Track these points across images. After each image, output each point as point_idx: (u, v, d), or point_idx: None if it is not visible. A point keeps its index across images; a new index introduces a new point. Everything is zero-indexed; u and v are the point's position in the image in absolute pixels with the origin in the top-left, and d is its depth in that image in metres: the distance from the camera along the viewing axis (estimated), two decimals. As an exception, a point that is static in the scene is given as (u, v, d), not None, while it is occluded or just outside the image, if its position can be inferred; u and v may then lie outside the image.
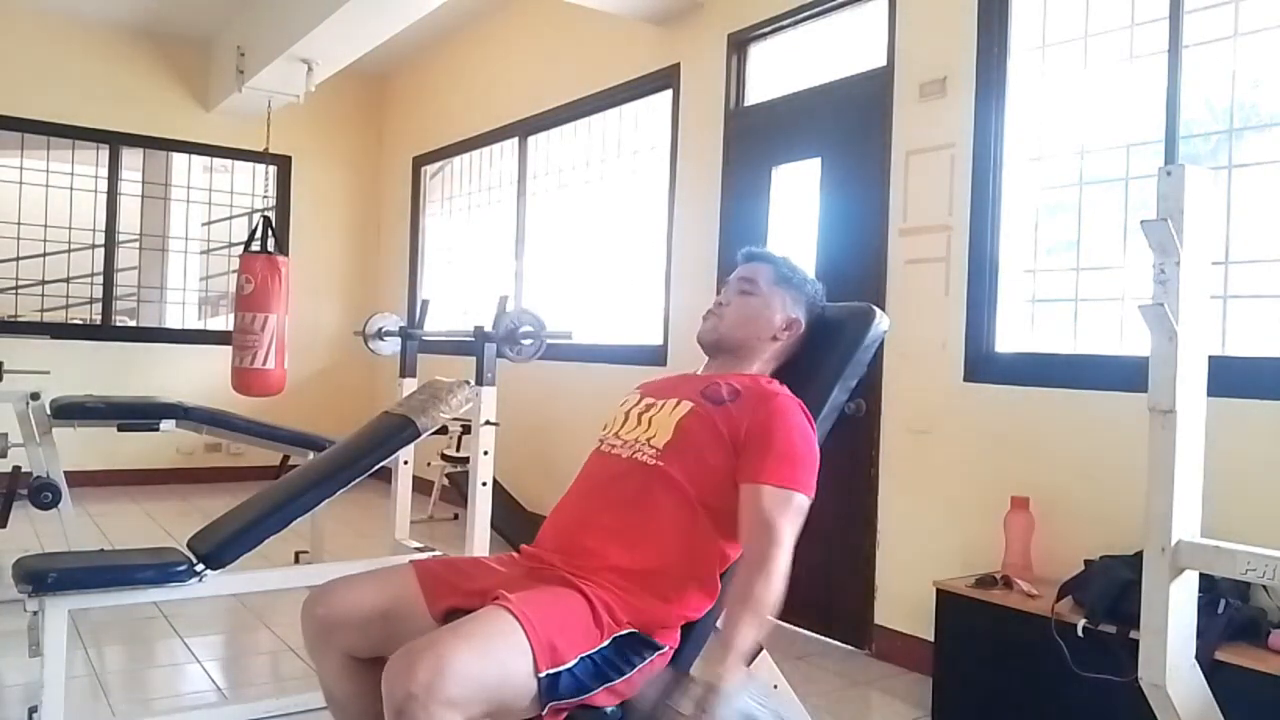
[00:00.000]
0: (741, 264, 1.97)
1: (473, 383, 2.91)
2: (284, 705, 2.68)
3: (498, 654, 1.40)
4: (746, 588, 1.53)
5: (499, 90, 5.90)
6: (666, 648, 1.62)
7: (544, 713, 1.45)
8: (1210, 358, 1.74)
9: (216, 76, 6.43)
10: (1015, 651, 2.58)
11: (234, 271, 5.85)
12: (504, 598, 1.47)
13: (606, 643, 1.53)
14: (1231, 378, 2.27)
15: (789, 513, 1.61)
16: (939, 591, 2.82)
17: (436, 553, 2.97)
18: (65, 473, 3.71)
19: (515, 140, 5.79)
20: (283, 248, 5.80)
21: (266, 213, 5.99)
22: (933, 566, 3.05)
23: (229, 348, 5.55)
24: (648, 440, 1.74)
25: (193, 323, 7.15)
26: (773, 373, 1.89)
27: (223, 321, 7.34)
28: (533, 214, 5.69)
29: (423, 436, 2.80)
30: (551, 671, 1.43)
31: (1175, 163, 2.38)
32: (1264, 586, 2.32)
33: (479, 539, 2.89)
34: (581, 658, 1.48)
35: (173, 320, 6.89)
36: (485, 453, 2.91)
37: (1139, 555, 1.77)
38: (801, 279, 1.94)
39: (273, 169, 6.80)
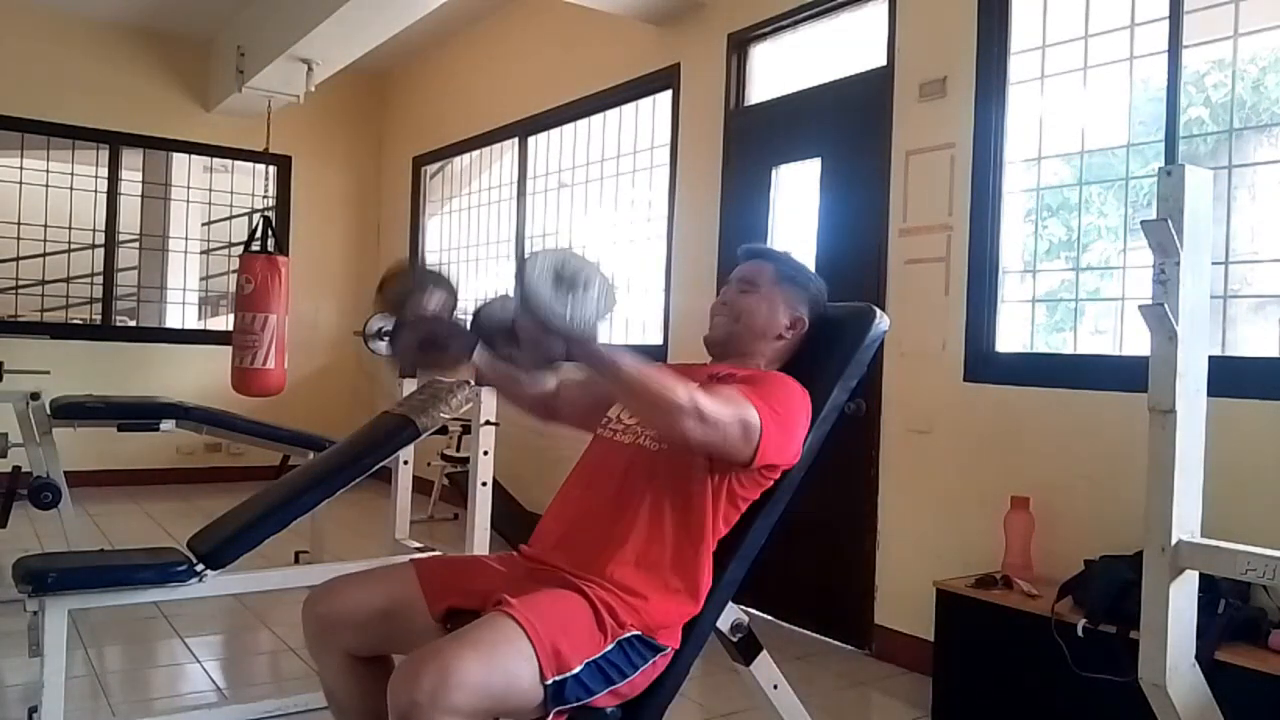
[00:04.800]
0: (741, 262, 1.93)
1: (473, 383, 2.91)
2: (284, 705, 2.69)
3: (503, 662, 1.40)
4: (676, 389, 1.49)
5: (499, 90, 5.90)
6: (669, 649, 1.61)
7: (548, 717, 1.45)
8: (1210, 358, 1.74)
9: (216, 76, 6.43)
10: (1015, 651, 2.58)
11: (234, 271, 5.85)
12: (507, 603, 1.47)
13: (610, 646, 1.52)
14: (1231, 378, 2.26)
15: (733, 410, 1.54)
16: (939, 591, 2.82)
17: (436, 553, 2.97)
18: (65, 473, 3.71)
19: (515, 140, 5.79)
20: (283, 248, 5.80)
21: (266, 213, 5.99)
22: (933, 566, 3.05)
23: (229, 348, 5.56)
24: None
25: (193, 323, 7.14)
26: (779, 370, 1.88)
27: (223, 321, 7.34)
28: (533, 214, 5.69)
29: (423, 436, 2.80)
30: (557, 678, 1.43)
31: (1175, 163, 2.38)
32: (1264, 586, 2.32)
33: (479, 539, 2.89)
34: (586, 663, 1.48)
35: (173, 320, 6.89)
36: (485, 453, 2.91)
37: (1139, 555, 1.77)
38: (805, 277, 1.90)
39: (273, 169, 6.80)
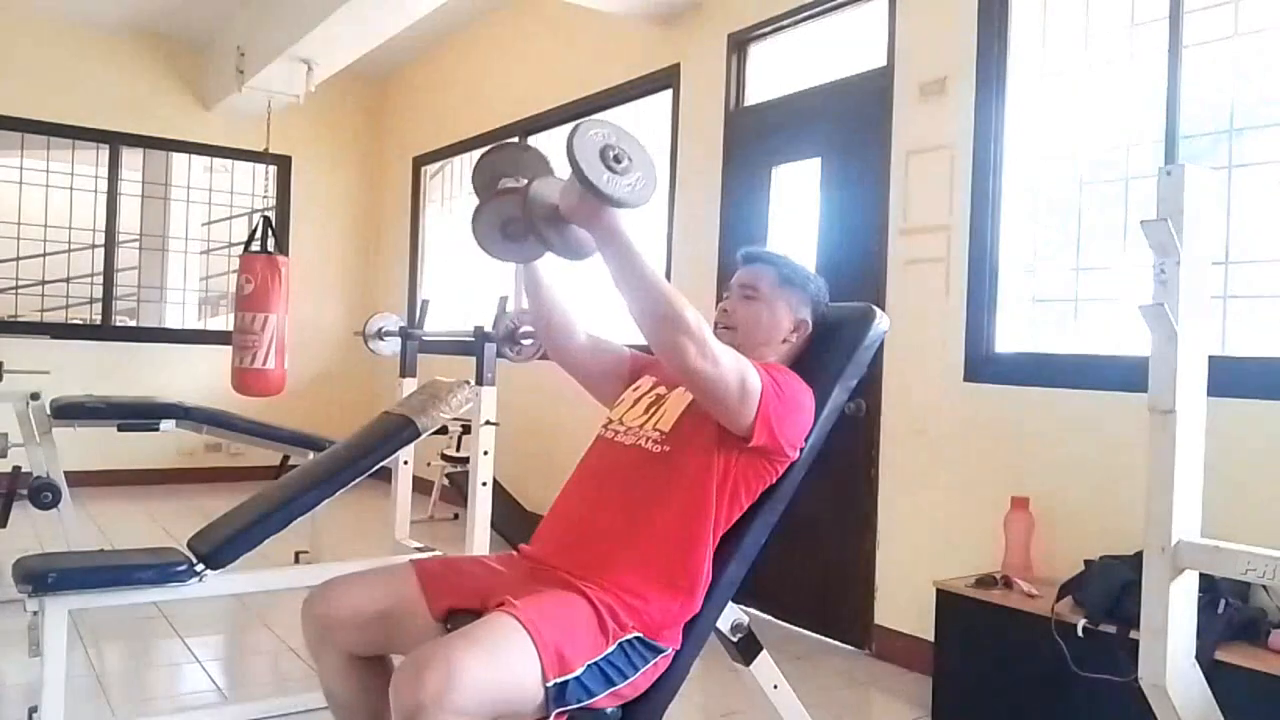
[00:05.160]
0: (741, 266, 1.92)
1: (473, 383, 2.92)
2: (284, 705, 2.68)
3: (507, 663, 1.40)
4: (686, 308, 1.51)
5: (499, 90, 5.90)
6: (669, 650, 1.62)
7: (549, 718, 1.45)
8: (1210, 358, 1.74)
9: (216, 76, 6.43)
10: (1015, 651, 2.58)
11: (234, 271, 5.85)
12: (510, 604, 1.47)
13: (612, 648, 1.52)
14: (1231, 378, 2.26)
15: (737, 362, 1.57)
16: (939, 591, 2.82)
17: (436, 553, 2.97)
18: (65, 473, 3.71)
19: (515, 140, 5.79)
20: (283, 248, 5.80)
21: (266, 213, 5.99)
22: (933, 566, 3.05)
23: (229, 348, 5.55)
24: (654, 425, 1.73)
25: (193, 323, 7.16)
26: None
27: (223, 321, 7.34)
28: (533, 214, 5.68)
29: (423, 436, 2.80)
30: (559, 680, 1.43)
31: (1175, 163, 2.38)
32: (1264, 586, 2.32)
33: (479, 539, 2.90)
34: (588, 664, 1.48)
35: (173, 320, 6.90)
36: (485, 453, 2.92)
37: (1139, 555, 1.77)
38: (804, 278, 1.89)
39: (273, 169, 6.80)
